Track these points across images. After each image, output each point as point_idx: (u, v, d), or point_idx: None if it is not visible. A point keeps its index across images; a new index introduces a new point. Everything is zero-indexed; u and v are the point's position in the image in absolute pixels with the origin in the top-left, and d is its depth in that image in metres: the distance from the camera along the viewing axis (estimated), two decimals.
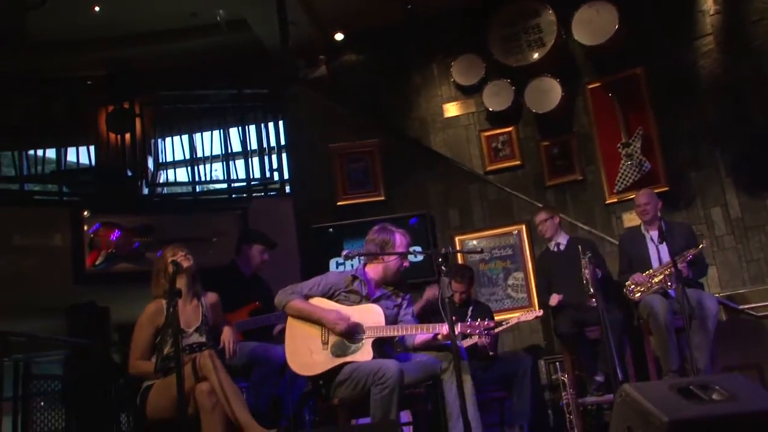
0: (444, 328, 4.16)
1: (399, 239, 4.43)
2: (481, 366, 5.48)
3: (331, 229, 7.34)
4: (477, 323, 4.21)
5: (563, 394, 5.72)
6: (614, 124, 6.98)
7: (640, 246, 5.88)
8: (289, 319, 4.40)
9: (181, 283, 4.16)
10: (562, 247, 6.10)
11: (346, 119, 7.78)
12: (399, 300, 4.49)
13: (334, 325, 4.19)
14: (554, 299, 5.78)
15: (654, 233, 5.83)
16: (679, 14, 7.03)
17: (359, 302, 4.36)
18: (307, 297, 4.36)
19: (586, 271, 5.36)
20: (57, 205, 7.43)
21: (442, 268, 3.97)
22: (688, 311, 4.81)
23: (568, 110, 7.34)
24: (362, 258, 4.54)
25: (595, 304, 4.95)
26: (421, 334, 4.35)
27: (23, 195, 7.50)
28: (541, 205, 6.73)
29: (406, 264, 4.44)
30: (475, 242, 7.28)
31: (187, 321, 4.24)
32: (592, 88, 7.24)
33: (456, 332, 4.01)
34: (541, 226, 6.10)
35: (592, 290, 5.16)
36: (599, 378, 5.68)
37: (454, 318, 3.92)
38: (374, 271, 4.49)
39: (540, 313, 5.66)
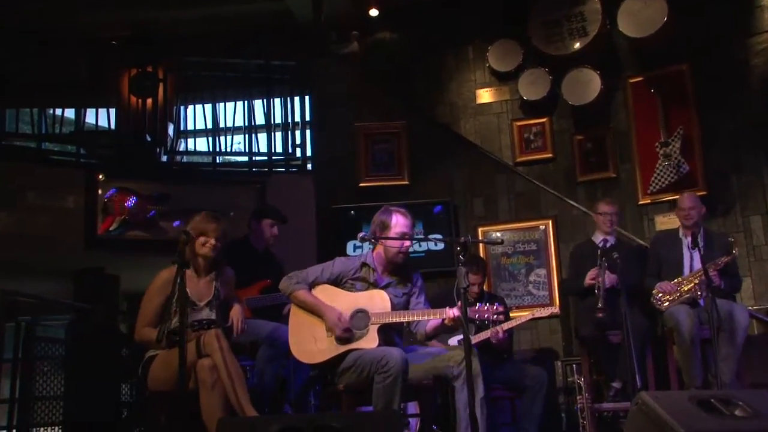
0: (451, 312, 4.18)
1: (395, 219, 4.44)
2: (492, 363, 5.44)
3: (352, 212, 7.34)
4: (486, 307, 4.19)
5: (578, 398, 5.68)
6: (654, 122, 6.85)
7: (674, 250, 5.80)
8: (293, 307, 4.47)
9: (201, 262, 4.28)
10: (608, 244, 6.02)
11: (374, 98, 7.75)
12: (408, 288, 4.52)
13: (332, 327, 4.24)
14: (592, 273, 5.62)
15: (690, 239, 5.74)
16: (735, 9, 6.85)
17: (367, 289, 4.41)
18: (313, 284, 4.42)
19: (600, 279, 5.34)
20: (73, 166, 7.46)
21: (461, 257, 3.95)
22: (717, 322, 4.75)
23: (606, 104, 7.21)
24: (372, 242, 4.55)
25: (602, 317, 4.91)
26: (430, 319, 4.37)
27: (40, 153, 7.59)
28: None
29: (406, 244, 4.45)
30: (498, 234, 7.23)
31: (199, 295, 4.28)
32: (634, 83, 7.10)
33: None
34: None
35: (601, 303, 5.11)
36: (617, 384, 5.66)
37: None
38: (378, 255, 4.53)
39: (556, 309, 5.63)
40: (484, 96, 7.73)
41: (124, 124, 7.82)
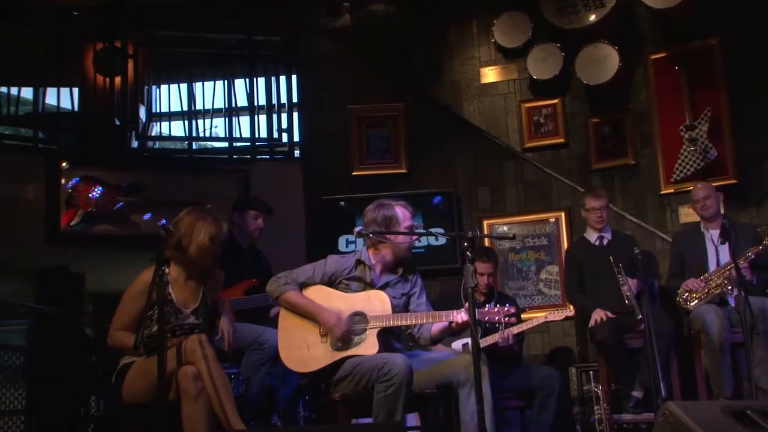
0: (459, 315, 4.20)
1: (401, 213, 4.50)
2: (500, 371, 5.46)
3: (342, 203, 7.34)
4: (496, 309, 4.20)
5: (596, 408, 5.69)
6: (678, 103, 6.84)
7: (697, 246, 5.83)
8: (282, 310, 4.47)
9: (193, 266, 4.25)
10: (605, 242, 6.04)
11: (368, 78, 7.72)
12: (408, 288, 4.54)
13: (331, 330, 4.24)
14: (598, 315, 5.69)
15: (714, 232, 5.76)
16: None
17: (363, 290, 4.43)
18: (304, 286, 4.43)
19: (625, 287, 5.36)
20: (31, 152, 7.33)
21: (468, 253, 3.97)
22: (750, 322, 4.76)
23: (625, 84, 7.21)
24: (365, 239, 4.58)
25: (644, 328, 4.93)
26: (435, 323, 4.39)
27: None
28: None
29: (414, 238, 4.58)
30: (505, 228, 7.27)
31: (186, 301, 4.26)
32: (656, 59, 7.09)
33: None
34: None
35: (640, 315, 5.11)
36: (637, 394, 5.67)
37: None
38: (379, 255, 4.54)
39: (571, 312, 5.63)
40: (490, 75, 7.71)
41: (89, 106, 7.72)
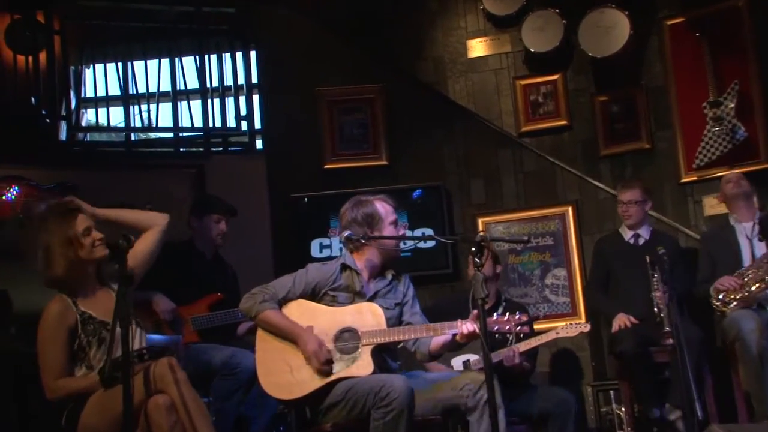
0: (465, 326, 4.21)
1: (382, 208, 4.54)
2: (507, 393, 5.43)
3: (306, 199, 7.35)
4: (507, 317, 4.22)
5: None
6: (700, 76, 6.87)
7: (727, 242, 5.87)
8: (260, 329, 4.48)
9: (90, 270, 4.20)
10: (641, 241, 6.05)
11: (339, 55, 7.70)
12: (400, 296, 4.57)
13: (309, 358, 4.24)
14: (621, 320, 5.72)
15: (747, 225, 5.81)
16: None
17: (352, 301, 4.45)
18: (284, 301, 4.43)
19: (658, 294, 5.38)
20: None
21: (476, 260, 3.96)
22: None
23: (637, 55, 7.22)
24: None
25: (671, 342, 4.95)
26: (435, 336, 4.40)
27: None
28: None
29: (402, 232, 4.63)
30: (500, 227, 7.29)
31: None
32: (673, 26, 7.12)
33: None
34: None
35: (668, 327, 5.13)
36: (659, 413, 5.64)
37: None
38: (365, 259, 4.57)
39: (587, 328, 5.63)
40: (478, 48, 7.71)
41: (5, 90, 7.58)
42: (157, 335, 4.93)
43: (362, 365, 4.23)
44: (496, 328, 4.21)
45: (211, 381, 5.00)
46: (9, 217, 6.75)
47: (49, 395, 4.09)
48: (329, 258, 5.64)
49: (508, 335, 4.34)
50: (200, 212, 5.76)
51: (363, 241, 4.46)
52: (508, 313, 4.29)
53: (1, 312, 7.31)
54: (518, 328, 4.24)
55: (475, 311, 4.00)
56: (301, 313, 4.38)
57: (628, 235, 6.16)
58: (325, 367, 4.21)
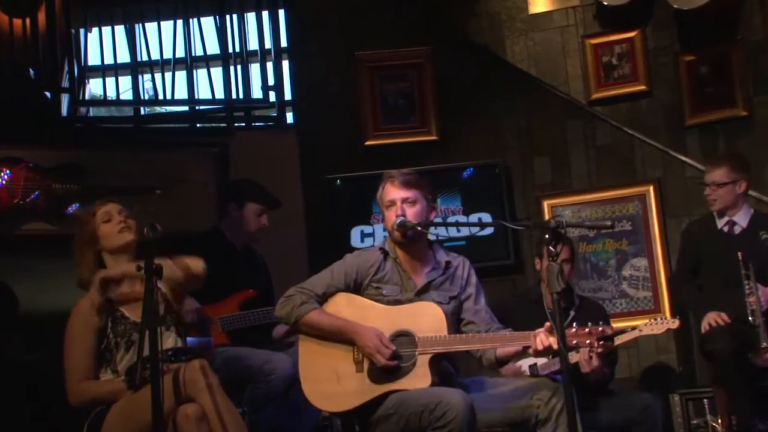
0: (539, 339, 4.19)
1: (381, 189, 4.59)
2: (583, 402, 5.39)
3: (344, 181, 7.38)
4: (588, 329, 4.19)
5: None
6: None
7: None
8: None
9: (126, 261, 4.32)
10: (737, 229, 5.91)
11: (381, 14, 7.74)
12: (457, 288, 4.56)
13: (373, 354, 4.27)
14: (712, 318, 5.64)
15: None
16: None
17: (399, 295, 4.47)
18: (324, 299, 4.47)
19: (752, 299, 5.29)
20: None
21: (550, 248, 3.95)
22: None
23: (731, 4, 7.14)
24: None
25: None
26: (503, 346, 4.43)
27: None
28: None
29: (398, 213, 4.51)
30: (568, 211, 7.28)
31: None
32: None
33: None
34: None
35: (766, 342, 5.05)
36: (765, 428, 5.60)
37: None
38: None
39: (675, 324, 5.52)
40: (540, 2, 7.69)
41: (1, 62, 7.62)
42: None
43: (418, 376, 4.24)
44: (575, 341, 4.19)
45: (243, 388, 5.05)
46: (6, 205, 6.82)
47: (71, 399, 4.20)
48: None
49: (590, 351, 4.27)
50: (240, 198, 5.78)
51: (420, 228, 4.45)
52: (590, 324, 4.24)
53: (10, 313, 7.38)
54: (599, 343, 4.21)
55: (548, 324, 4.09)
56: (350, 311, 4.41)
57: (722, 221, 5.99)
58: (392, 362, 4.23)
